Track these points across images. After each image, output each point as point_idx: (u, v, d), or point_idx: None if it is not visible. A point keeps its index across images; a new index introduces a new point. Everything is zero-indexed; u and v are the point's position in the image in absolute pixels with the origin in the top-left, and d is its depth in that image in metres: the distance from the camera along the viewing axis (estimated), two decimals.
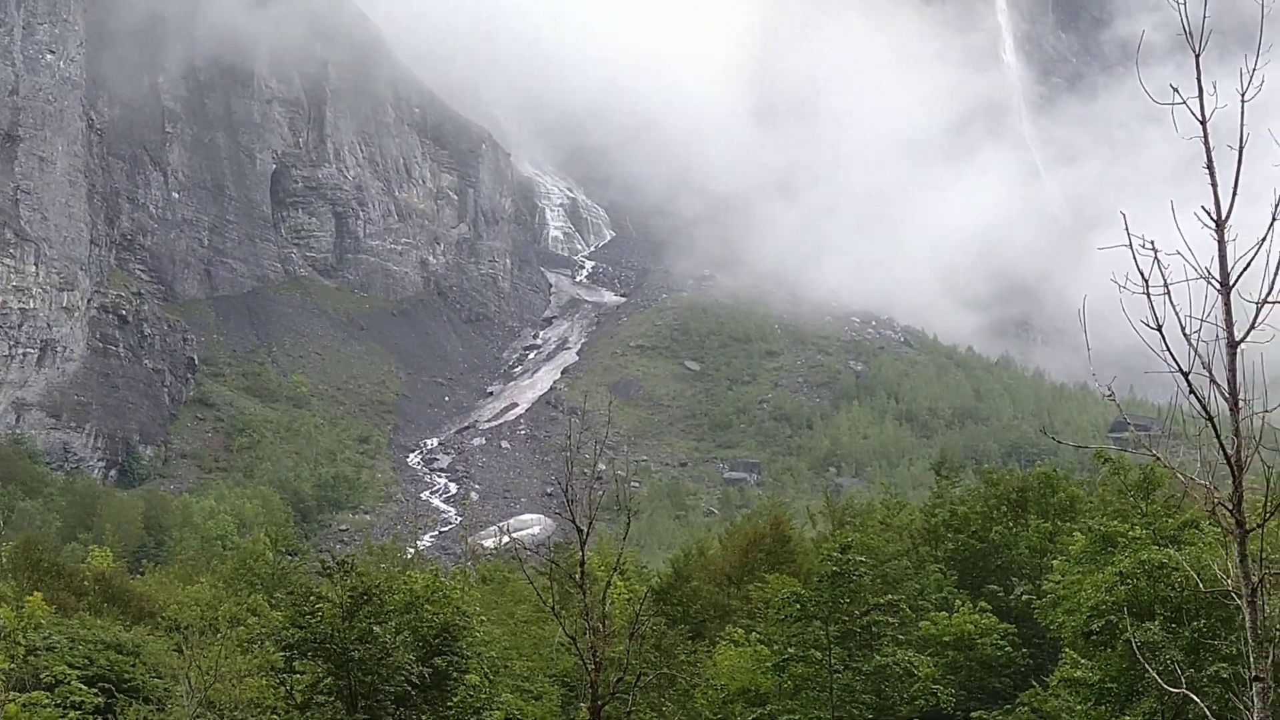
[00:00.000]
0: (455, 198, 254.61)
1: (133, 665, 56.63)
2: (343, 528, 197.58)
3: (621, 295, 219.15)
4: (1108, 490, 56.02)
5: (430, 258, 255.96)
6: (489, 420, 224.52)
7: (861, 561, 48.25)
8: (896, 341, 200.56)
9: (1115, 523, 47.06)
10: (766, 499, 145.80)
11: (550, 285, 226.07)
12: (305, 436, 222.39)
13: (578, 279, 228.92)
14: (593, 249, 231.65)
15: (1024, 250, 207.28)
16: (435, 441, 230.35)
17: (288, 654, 40.41)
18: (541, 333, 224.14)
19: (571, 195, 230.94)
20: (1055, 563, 51.37)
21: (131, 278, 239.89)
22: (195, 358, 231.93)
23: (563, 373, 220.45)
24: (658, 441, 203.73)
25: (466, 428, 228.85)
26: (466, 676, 41.06)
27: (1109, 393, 14.52)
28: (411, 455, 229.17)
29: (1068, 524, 59.11)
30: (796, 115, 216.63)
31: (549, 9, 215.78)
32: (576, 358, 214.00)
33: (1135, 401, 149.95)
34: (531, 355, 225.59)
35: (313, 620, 39.20)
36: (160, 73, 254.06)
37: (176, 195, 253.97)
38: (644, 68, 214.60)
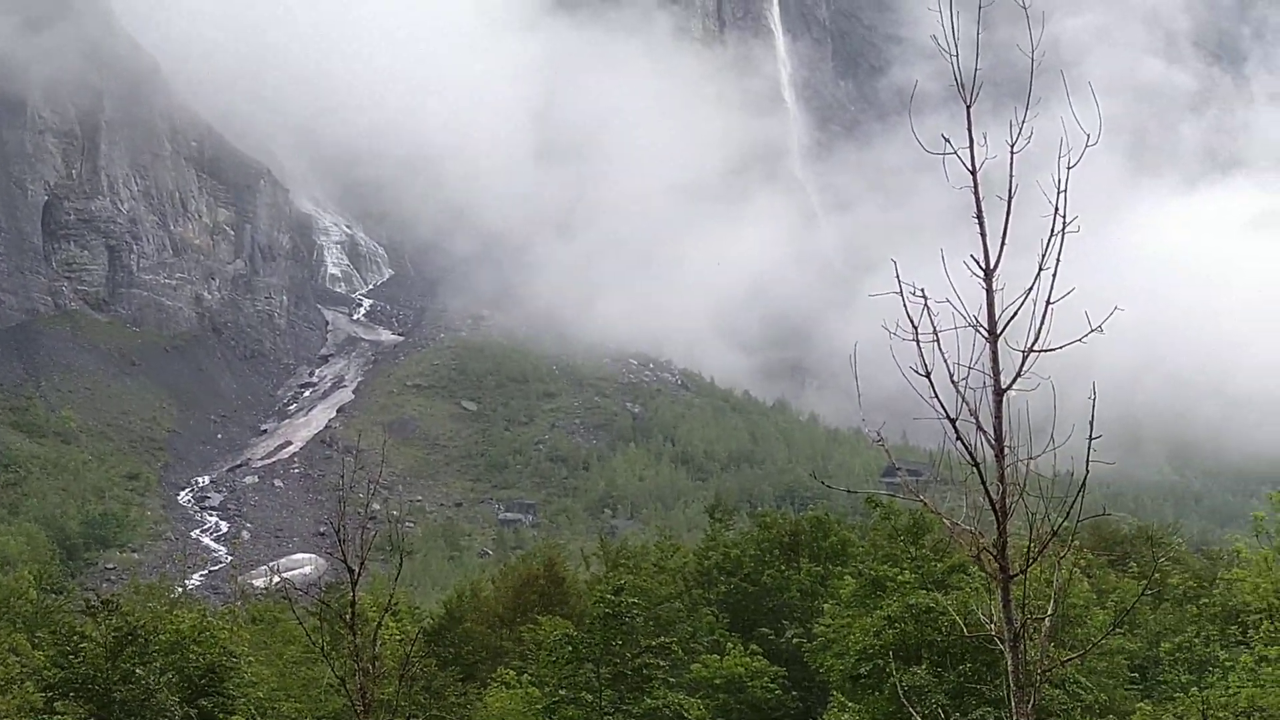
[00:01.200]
0: (232, 233, 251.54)
1: None
2: (110, 566, 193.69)
3: (399, 334, 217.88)
4: (879, 534, 56.69)
5: (205, 293, 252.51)
6: (262, 458, 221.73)
7: (634, 604, 48.25)
8: (674, 384, 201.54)
9: (885, 567, 47.60)
10: (541, 540, 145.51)
11: (327, 323, 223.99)
12: (73, 473, 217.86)
13: (355, 317, 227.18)
14: (371, 287, 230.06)
15: (798, 294, 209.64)
16: (207, 479, 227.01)
17: (48, 694, 39.44)
18: (317, 370, 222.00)
19: (350, 232, 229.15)
20: (826, 606, 51.85)
21: None
22: None
23: (338, 411, 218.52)
24: (433, 481, 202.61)
25: (239, 465, 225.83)
26: (233, 718, 40.36)
27: (879, 438, 14.64)
28: (183, 493, 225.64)
29: (839, 568, 59.73)
30: (576, 154, 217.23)
31: (326, 42, 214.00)
32: (352, 396, 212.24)
33: (907, 447, 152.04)
34: (307, 393, 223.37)
35: (75, 660, 38.33)
36: None
37: None
38: (424, 103, 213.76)
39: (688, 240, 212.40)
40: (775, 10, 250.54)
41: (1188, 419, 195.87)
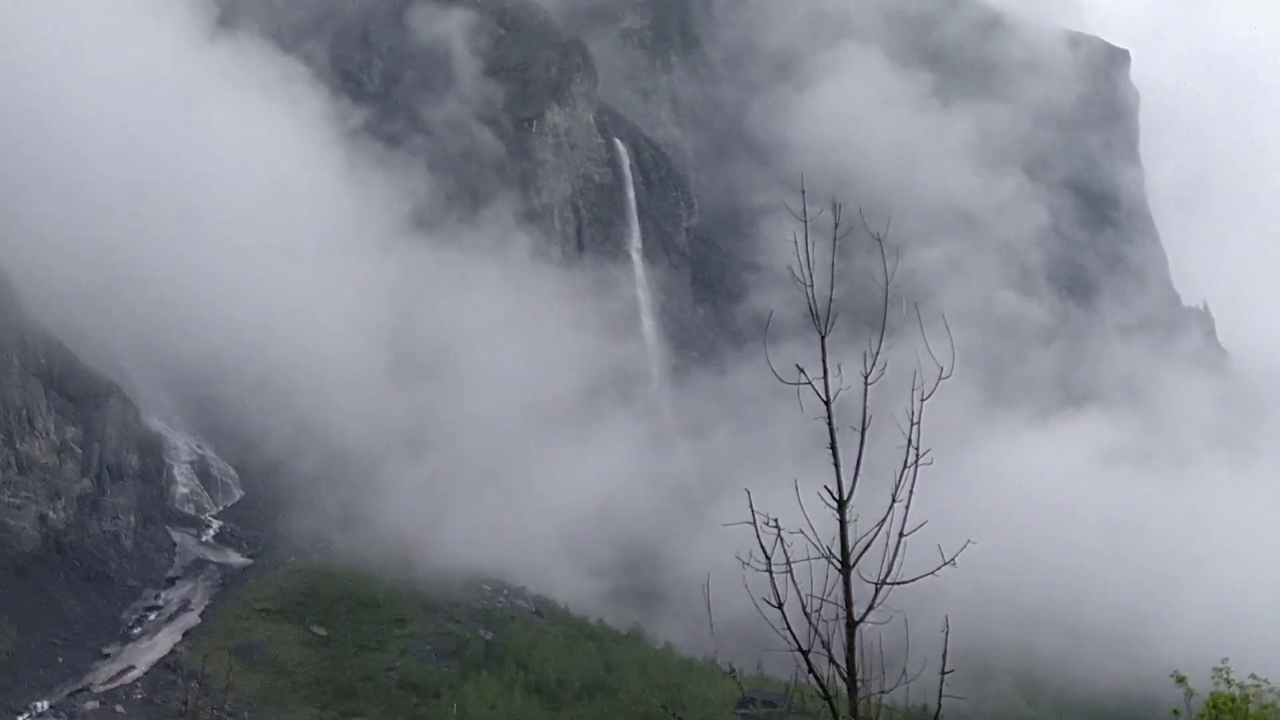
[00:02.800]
0: (79, 451, 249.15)
1: None
2: None
3: (249, 556, 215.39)
4: None
5: (50, 512, 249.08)
6: (104, 683, 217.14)
7: None
8: (528, 611, 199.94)
9: None
10: None
11: (175, 544, 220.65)
12: None
13: (204, 539, 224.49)
14: (221, 508, 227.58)
15: (650, 519, 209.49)
16: (46, 704, 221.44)
17: None
18: (164, 593, 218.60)
19: (200, 452, 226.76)
20: None
21: None
22: None
23: (184, 635, 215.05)
24: (279, 708, 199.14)
25: (80, 690, 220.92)
26: None
27: (732, 670, 14.43)
28: (20, 718, 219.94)
29: None
30: (430, 374, 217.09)
31: (178, 260, 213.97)
32: (199, 620, 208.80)
33: (762, 677, 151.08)
34: (152, 616, 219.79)
35: None
36: None
37: None
38: (276, 321, 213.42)
39: (540, 462, 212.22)
40: (635, 235, 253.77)
41: (1036, 652, 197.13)
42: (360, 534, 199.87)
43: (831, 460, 14.31)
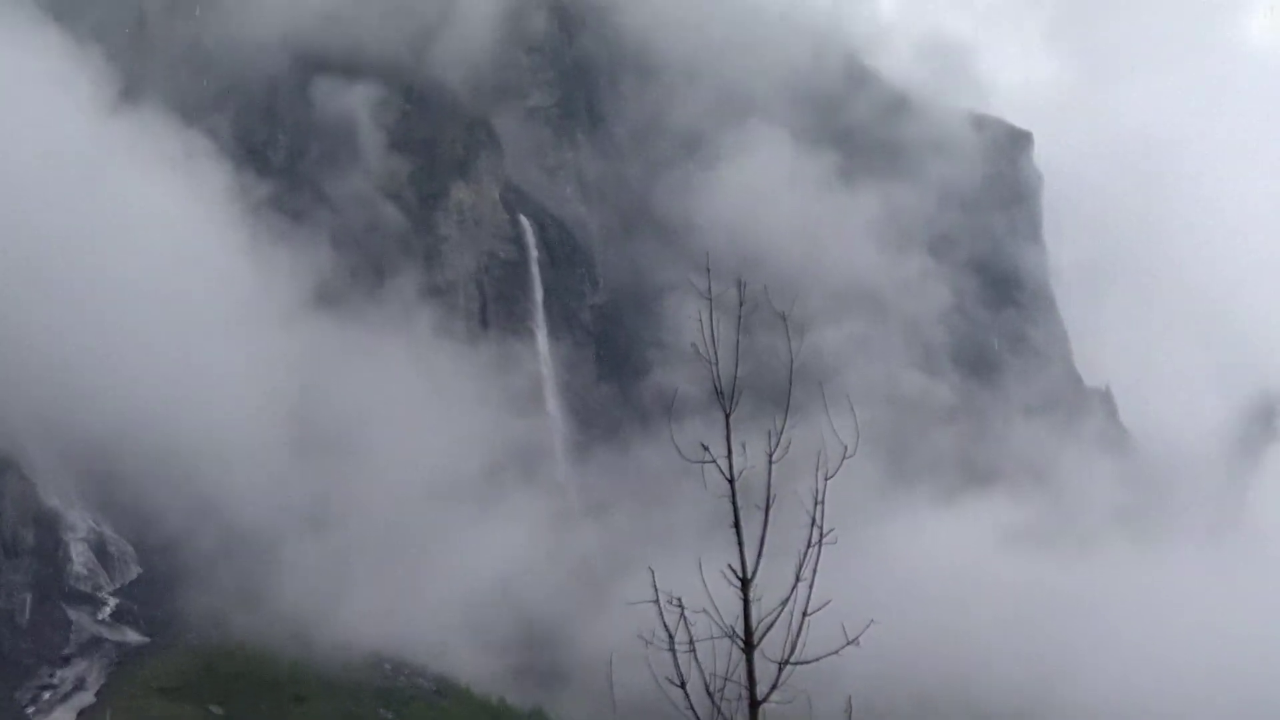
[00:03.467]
0: None
1: None
2: None
3: (146, 634, 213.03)
4: None
5: None
6: None
7: None
8: (429, 690, 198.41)
9: None
10: None
11: (71, 622, 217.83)
12: None
13: (100, 617, 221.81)
14: (118, 585, 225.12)
15: (553, 598, 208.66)
16: None
17: None
18: (59, 672, 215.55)
19: (98, 529, 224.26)
20: None
21: None
22: None
23: (78, 715, 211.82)
24: None
25: None
26: None
27: None
28: None
29: None
30: (332, 451, 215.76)
31: (74, 332, 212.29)
32: (94, 699, 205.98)
33: None
34: (47, 695, 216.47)
35: None
36: None
37: None
38: (175, 395, 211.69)
39: (442, 540, 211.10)
40: (540, 312, 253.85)
41: None
42: (260, 612, 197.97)
43: (735, 539, 14.23)
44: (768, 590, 14.44)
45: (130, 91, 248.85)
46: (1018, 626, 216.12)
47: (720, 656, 14.13)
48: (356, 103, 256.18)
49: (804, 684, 14.56)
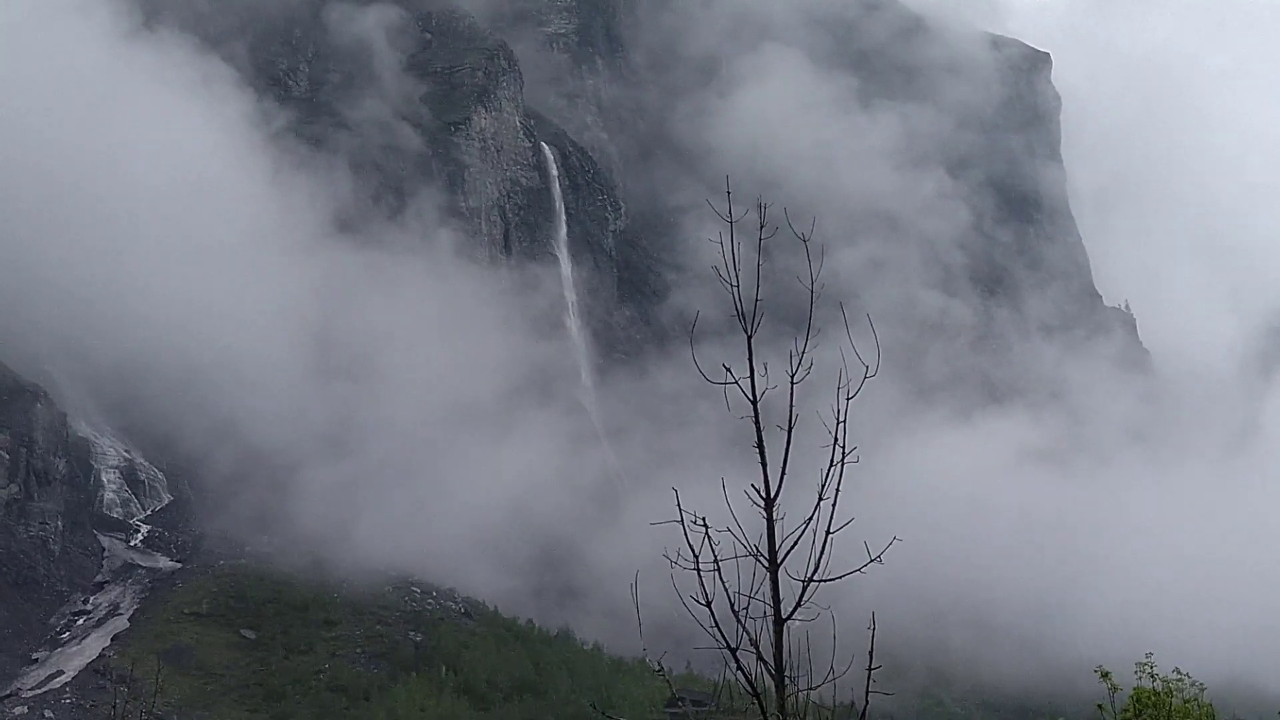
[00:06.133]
0: (6, 457, 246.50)
1: None
2: None
3: (178, 561, 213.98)
4: None
5: None
6: (32, 688, 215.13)
7: None
8: (456, 612, 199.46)
9: None
10: None
11: (103, 549, 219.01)
12: None
13: (132, 543, 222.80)
14: (149, 512, 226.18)
15: (572, 518, 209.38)
16: None
17: None
18: (92, 598, 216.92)
19: (129, 457, 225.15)
20: None
21: None
22: None
23: (113, 639, 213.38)
24: (209, 712, 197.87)
25: (8, 696, 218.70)
26: None
27: (660, 669, 14.58)
28: None
29: None
30: (353, 373, 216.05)
31: (98, 261, 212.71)
32: (128, 624, 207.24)
33: (691, 676, 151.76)
34: (81, 621, 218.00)
35: None
36: None
37: None
38: (195, 320, 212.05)
39: (461, 461, 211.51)
40: (562, 237, 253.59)
41: (947, 647, 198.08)
42: (290, 536, 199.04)
43: (756, 459, 14.45)
44: (791, 510, 14.65)
45: (149, 19, 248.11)
46: (1034, 544, 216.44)
47: (745, 575, 14.34)
48: (375, 29, 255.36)
49: (823, 602, 14.76)
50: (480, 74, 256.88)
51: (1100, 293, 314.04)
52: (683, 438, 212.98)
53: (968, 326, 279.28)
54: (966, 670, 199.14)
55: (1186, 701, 36.69)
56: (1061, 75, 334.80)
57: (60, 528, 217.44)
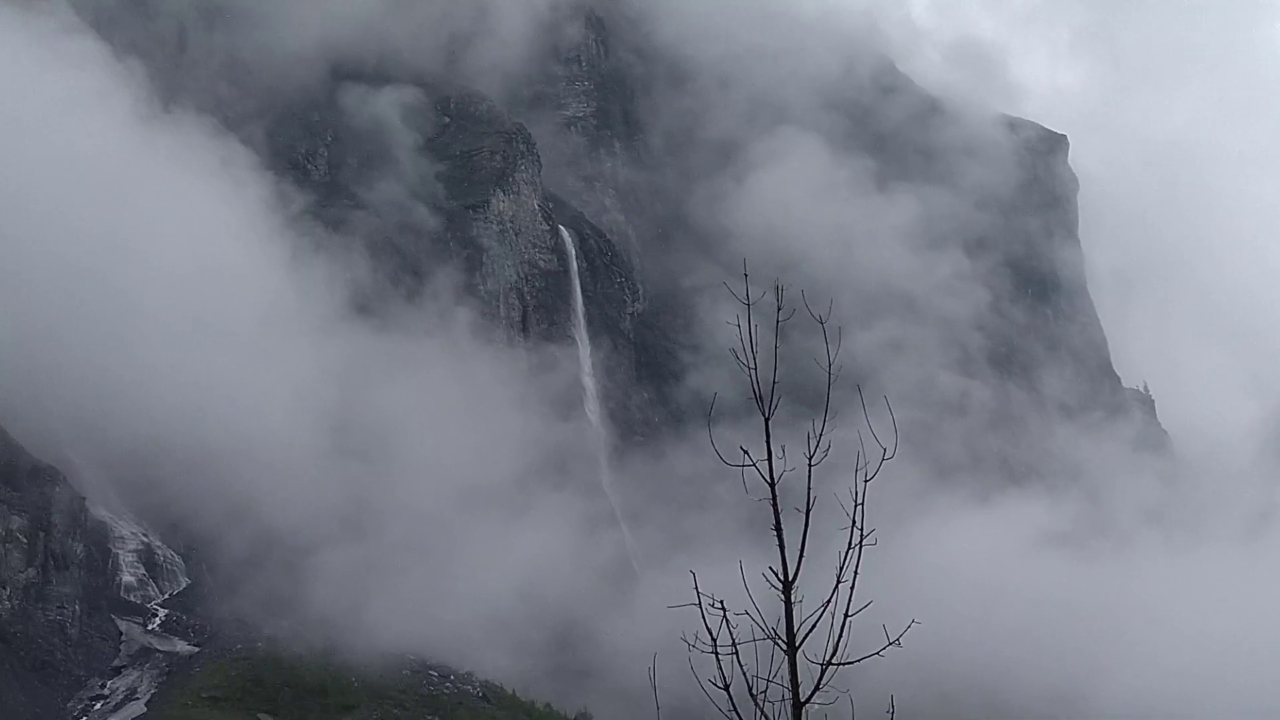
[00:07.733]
0: (25, 540, 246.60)
1: None
2: None
3: (195, 644, 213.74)
4: None
5: None
6: None
7: None
8: (474, 696, 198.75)
9: None
10: None
11: (121, 633, 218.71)
12: None
13: (150, 627, 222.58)
14: (167, 596, 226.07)
15: (588, 601, 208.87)
16: None
17: None
18: (109, 682, 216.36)
19: (146, 540, 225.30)
20: None
21: None
22: None
23: None
24: None
25: None
26: None
27: None
28: None
29: None
30: (369, 456, 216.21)
31: (117, 344, 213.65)
32: (145, 709, 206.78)
33: None
34: (98, 706, 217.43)
35: None
36: None
37: None
38: (213, 403, 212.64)
39: (477, 544, 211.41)
40: (580, 320, 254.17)
41: None
42: (307, 620, 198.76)
43: (773, 541, 14.42)
44: (810, 592, 14.60)
45: (169, 102, 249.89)
46: (1051, 628, 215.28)
47: (763, 659, 14.29)
48: (393, 112, 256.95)
49: (840, 685, 14.71)
50: (499, 157, 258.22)
51: (1119, 374, 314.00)
52: (700, 520, 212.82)
53: (986, 408, 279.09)
54: None
55: None
56: (1079, 157, 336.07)
57: (78, 611, 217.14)
